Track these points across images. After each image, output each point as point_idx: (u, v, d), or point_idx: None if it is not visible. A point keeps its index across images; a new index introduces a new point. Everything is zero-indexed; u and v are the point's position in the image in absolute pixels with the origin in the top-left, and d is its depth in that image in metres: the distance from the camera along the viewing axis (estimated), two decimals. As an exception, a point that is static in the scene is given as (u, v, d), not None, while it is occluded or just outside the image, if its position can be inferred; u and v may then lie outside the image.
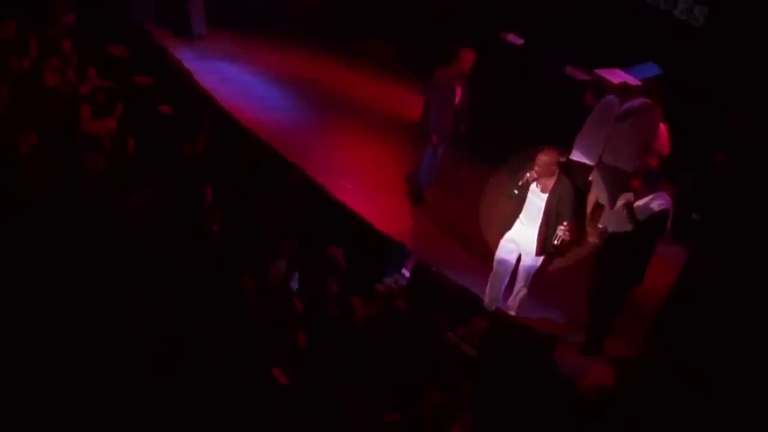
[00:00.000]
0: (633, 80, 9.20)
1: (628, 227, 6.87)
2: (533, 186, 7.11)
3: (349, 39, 11.71)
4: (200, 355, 5.91)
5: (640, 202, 6.89)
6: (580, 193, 8.09)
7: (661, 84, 8.82)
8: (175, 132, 8.04)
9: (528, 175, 7.07)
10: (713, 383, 5.43)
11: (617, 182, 8.17)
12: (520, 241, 7.28)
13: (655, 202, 6.88)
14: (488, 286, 7.51)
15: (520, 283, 7.47)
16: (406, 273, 7.68)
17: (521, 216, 7.21)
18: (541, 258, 7.32)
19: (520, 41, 10.07)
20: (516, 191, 7.27)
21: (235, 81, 10.48)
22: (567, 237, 7.02)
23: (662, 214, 6.87)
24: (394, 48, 11.84)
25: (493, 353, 6.68)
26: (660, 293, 6.53)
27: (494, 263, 7.46)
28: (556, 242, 7.06)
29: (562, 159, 7.51)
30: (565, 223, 7.02)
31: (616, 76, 9.22)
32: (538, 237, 7.18)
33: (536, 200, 7.09)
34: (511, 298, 7.52)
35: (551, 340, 6.59)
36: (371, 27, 11.62)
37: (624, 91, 8.63)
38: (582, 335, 7.18)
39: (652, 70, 9.44)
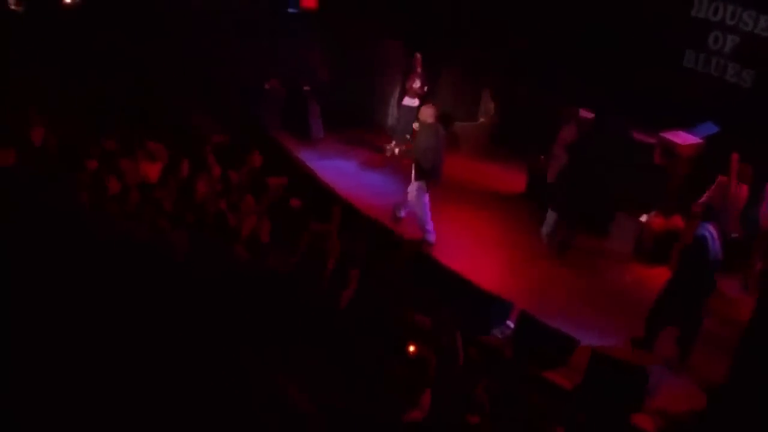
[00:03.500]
0: (696, 139, 9.83)
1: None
2: None
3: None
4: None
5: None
6: (433, 138, 9.65)
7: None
8: (306, 221, 8.72)
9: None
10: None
11: None
12: None
13: (701, 231, 7.58)
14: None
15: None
16: (511, 324, 8.10)
17: None
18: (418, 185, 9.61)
19: (591, 114, 10.55)
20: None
21: (349, 173, 11.53)
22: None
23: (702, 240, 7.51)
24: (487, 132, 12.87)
25: (593, 387, 7.15)
26: (740, 321, 6.99)
27: None
28: (388, 154, 9.97)
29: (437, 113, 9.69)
30: (394, 142, 10.20)
31: (680, 137, 9.79)
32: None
33: None
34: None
35: (643, 372, 7.07)
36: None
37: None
38: (662, 363, 7.67)
39: (711, 128, 9.94)
